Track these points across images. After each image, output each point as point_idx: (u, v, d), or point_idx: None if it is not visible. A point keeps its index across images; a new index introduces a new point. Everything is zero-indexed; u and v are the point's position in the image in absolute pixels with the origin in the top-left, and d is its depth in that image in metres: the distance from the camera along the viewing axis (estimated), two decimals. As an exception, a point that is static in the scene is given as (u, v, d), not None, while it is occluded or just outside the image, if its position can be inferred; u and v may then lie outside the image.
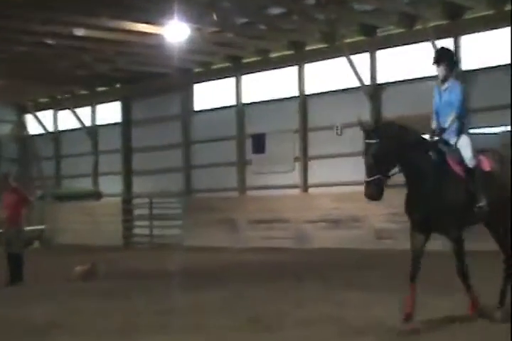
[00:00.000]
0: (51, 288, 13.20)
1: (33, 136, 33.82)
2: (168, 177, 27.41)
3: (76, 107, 30.84)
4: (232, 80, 25.82)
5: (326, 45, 22.90)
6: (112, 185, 29.41)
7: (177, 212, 25.21)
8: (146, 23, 20.17)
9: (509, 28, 18.81)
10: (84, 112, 30.97)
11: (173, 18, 18.93)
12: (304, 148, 23.83)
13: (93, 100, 30.66)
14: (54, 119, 32.79)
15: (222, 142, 25.88)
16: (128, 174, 29.25)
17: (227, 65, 25.84)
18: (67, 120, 31.85)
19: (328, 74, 23.30)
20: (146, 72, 27.13)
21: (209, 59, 25.82)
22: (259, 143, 24.59)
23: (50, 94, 32.01)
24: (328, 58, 23.03)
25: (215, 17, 20.58)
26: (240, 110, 25.62)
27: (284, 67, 24.33)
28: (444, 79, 8.67)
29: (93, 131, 30.77)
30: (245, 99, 25.57)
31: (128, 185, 29.19)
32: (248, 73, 25.35)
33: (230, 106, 25.89)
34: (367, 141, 8.00)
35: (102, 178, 30.42)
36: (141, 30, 20.78)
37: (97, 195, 29.64)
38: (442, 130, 8.60)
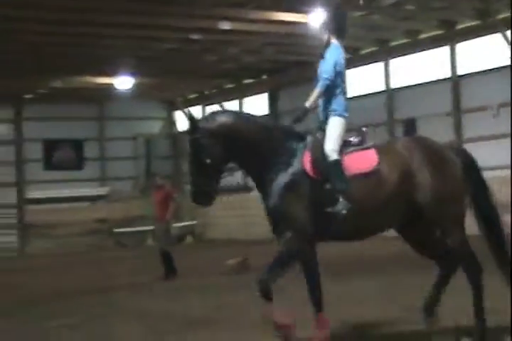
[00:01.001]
0: (205, 282, 13.86)
1: (182, 132, 34.74)
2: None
3: (224, 101, 31.48)
4: (380, 65, 25.60)
5: (479, 22, 22.24)
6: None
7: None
8: (291, 11, 20.36)
9: None
10: (232, 106, 31.45)
11: (317, 5, 19.00)
12: (458, 131, 23.28)
13: (240, 93, 31.20)
14: (202, 114, 33.58)
15: (373, 128, 25.58)
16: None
17: (375, 49, 25.65)
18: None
19: (482, 53, 22.61)
20: (293, 61, 27.30)
21: (356, 44, 25.64)
22: (410, 128, 24.15)
23: (198, 90, 32.86)
24: (482, 36, 22.34)
25: (361, 0, 20.44)
26: (390, 95, 25.36)
27: (434, 47, 23.83)
28: (326, 46, 7.16)
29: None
30: (394, 84, 25.29)
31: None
32: (397, 56, 25.03)
33: (379, 92, 25.68)
34: (189, 137, 6.76)
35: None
36: (286, 20, 20.99)
37: (246, 189, 30.28)
38: (303, 112, 6.88)
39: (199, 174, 6.65)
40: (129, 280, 15.29)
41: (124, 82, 27.73)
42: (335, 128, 6.98)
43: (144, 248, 26.87)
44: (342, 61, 7.23)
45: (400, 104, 25.01)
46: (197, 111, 33.75)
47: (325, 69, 7.17)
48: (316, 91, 7.10)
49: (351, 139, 7.13)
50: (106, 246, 28.97)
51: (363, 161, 6.89)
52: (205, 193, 6.69)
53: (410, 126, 24.33)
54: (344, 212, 6.66)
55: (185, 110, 7.17)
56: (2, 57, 23.18)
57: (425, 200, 6.89)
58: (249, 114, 7.20)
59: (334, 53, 7.15)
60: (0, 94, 29.19)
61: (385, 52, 25.26)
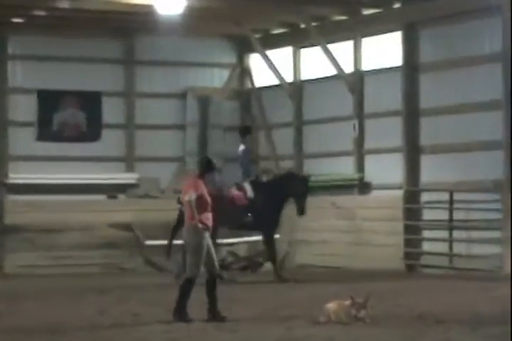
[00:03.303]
0: (284, 333, 14.46)
1: (260, 88, 34.48)
2: (478, 156, 26.78)
3: (329, 42, 31.05)
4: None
5: None
6: (386, 170, 29.38)
7: (494, 217, 25.16)
8: None
9: None
10: (343, 49, 31.18)
11: None
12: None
13: (358, 30, 30.82)
14: (294, 62, 33.35)
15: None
16: (412, 152, 28.96)
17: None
18: (314, 62, 32.41)
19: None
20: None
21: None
22: None
23: (289, 22, 32.56)
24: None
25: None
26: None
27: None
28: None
29: (357, 80, 30.89)
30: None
31: (412, 170, 28.87)
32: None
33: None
34: None
35: (369, 157, 30.55)
36: None
37: (362, 186, 29.99)
38: None
39: None
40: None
41: (169, 4, 27.57)
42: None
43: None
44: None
45: None
46: (286, 54, 33.11)
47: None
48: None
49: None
50: (130, 267, 29.07)
51: None
52: None
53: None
54: None
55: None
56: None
57: None
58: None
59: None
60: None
61: None
